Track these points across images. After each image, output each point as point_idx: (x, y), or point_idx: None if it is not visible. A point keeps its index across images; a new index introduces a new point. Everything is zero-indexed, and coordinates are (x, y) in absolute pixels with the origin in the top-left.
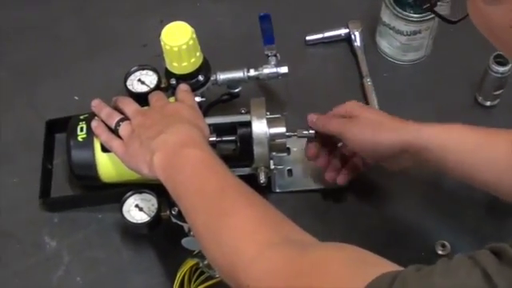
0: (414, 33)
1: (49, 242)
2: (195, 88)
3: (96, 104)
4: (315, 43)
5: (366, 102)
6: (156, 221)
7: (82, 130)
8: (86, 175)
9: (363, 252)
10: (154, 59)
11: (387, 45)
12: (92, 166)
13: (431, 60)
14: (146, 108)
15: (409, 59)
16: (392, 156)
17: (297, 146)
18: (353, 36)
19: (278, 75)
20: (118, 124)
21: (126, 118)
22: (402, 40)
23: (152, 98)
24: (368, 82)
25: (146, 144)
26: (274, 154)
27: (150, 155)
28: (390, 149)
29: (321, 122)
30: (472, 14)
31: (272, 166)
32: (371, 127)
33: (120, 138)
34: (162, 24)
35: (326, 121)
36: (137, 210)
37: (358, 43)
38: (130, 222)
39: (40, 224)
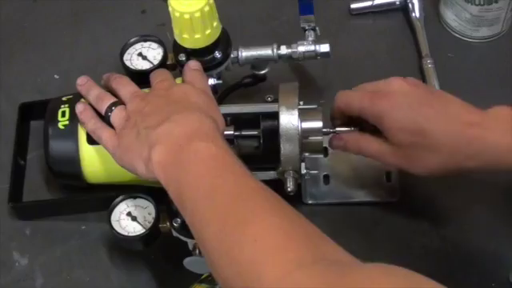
0: (489, 2)
1: (18, 260)
2: (210, 67)
3: (83, 82)
4: (362, 13)
5: None
6: (153, 234)
7: (63, 115)
8: (66, 173)
9: (418, 277)
10: (155, 30)
11: (454, 17)
12: (74, 160)
13: (510, 37)
14: (146, 90)
15: (481, 35)
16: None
17: None
18: (410, 4)
19: (316, 55)
20: (109, 109)
21: (120, 102)
22: (473, 11)
23: (155, 77)
24: (428, 63)
25: (144, 135)
26: (306, 154)
27: (147, 149)
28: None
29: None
30: None
31: (303, 171)
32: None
33: (112, 127)
34: None
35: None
36: (129, 219)
37: (416, 14)
38: (119, 234)
39: (8, 236)
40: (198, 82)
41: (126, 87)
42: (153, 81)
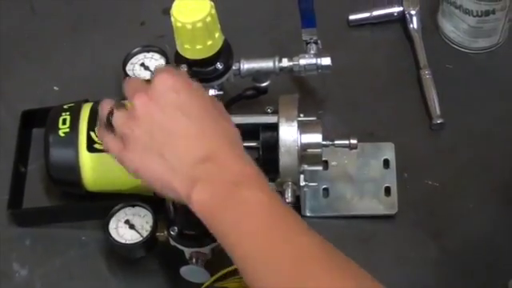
0: (487, 13)
1: (18, 271)
2: (212, 78)
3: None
4: (360, 24)
5: (424, 99)
6: (150, 242)
7: (64, 122)
8: (66, 180)
9: None
10: (154, 41)
11: (452, 28)
12: (74, 168)
13: (507, 48)
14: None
15: (479, 46)
16: None
17: (336, 158)
18: (408, 16)
19: (317, 68)
20: (110, 112)
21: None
22: (470, 22)
23: (160, 77)
24: (427, 74)
25: (177, 164)
26: (305, 167)
27: (182, 182)
28: None
29: None
30: None
31: (302, 183)
32: None
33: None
34: None
35: None
36: (127, 227)
37: (414, 25)
38: (117, 241)
39: (8, 247)
40: (196, 88)
41: (129, 84)
42: (157, 79)
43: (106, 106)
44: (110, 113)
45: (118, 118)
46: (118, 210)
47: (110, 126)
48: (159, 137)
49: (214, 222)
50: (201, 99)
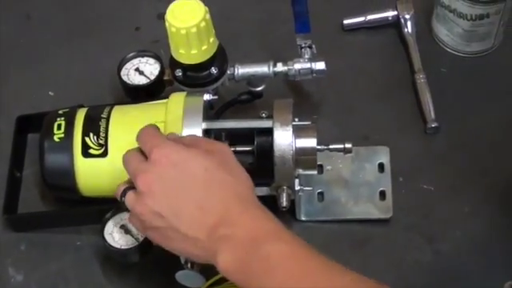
0: (481, 17)
1: (14, 276)
2: (206, 83)
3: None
4: (355, 28)
5: (418, 103)
6: (145, 247)
7: (59, 127)
8: (61, 185)
9: None
10: (149, 47)
11: (446, 32)
12: (69, 173)
13: (501, 52)
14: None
15: (474, 50)
16: None
17: (331, 163)
18: (402, 20)
19: (312, 72)
20: (122, 195)
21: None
22: (464, 26)
23: (144, 141)
24: (421, 78)
25: (183, 230)
26: (300, 171)
27: (203, 251)
28: None
29: None
30: None
31: (297, 187)
32: None
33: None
34: (161, 1)
35: None
36: (122, 232)
37: (408, 29)
38: (112, 246)
39: (3, 252)
40: (202, 142)
41: (129, 162)
42: (143, 145)
43: (120, 188)
44: (122, 195)
45: (129, 200)
46: (114, 214)
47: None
48: (169, 214)
49: (244, 284)
50: (201, 164)
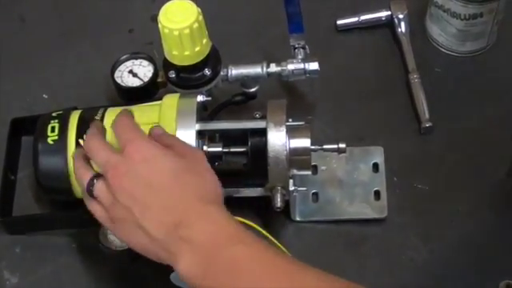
0: (474, 16)
1: (9, 278)
2: (200, 84)
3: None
4: (348, 29)
5: (412, 103)
6: None
7: (53, 130)
8: (55, 188)
9: None
10: (142, 48)
11: (440, 31)
12: (64, 175)
13: (495, 51)
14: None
15: (467, 50)
16: None
17: (326, 163)
18: (396, 20)
19: (305, 72)
20: (91, 184)
21: (100, 174)
22: (458, 25)
23: (129, 147)
24: (415, 78)
25: (146, 226)
26: (294, 171)
27: (166, 254)
28: None
29: None
30: None
31: (292, 187)
32: None
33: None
34: (155, 3)
35: None
36: None
37: (402, 29)
38: (107, 248)
39: None
40: (177, 144)
41: (98, 153)
42: (118, 136)
43: (84, 173)
44: (90, 183)
45: (98, 191)
46: None
47: (93, 195)
48: (135, 209)
49: None
50: (169, 165)
